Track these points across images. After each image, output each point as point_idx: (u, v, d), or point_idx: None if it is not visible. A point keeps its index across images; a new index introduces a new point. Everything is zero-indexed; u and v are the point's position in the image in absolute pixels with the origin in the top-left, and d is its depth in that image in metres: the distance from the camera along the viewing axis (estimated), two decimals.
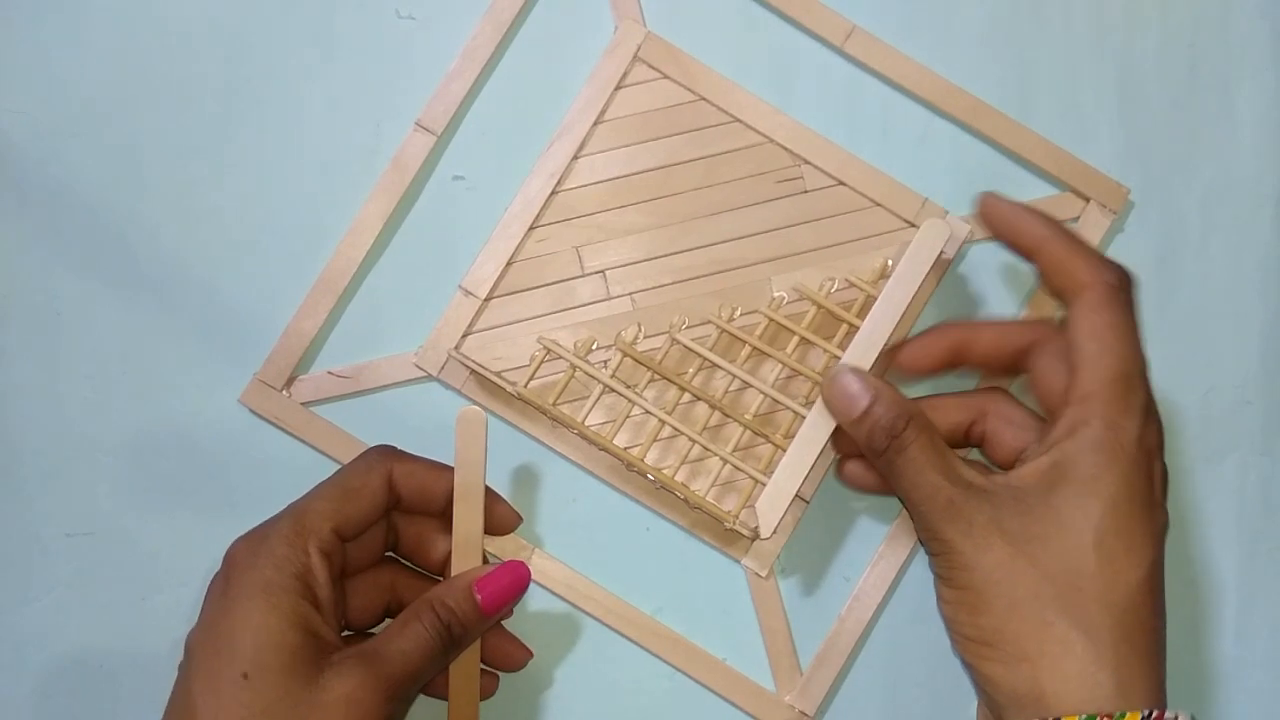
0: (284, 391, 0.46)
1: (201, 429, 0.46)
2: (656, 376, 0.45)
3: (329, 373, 0.46)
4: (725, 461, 0.44)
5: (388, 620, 0.41)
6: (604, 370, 0.45)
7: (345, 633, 0.40)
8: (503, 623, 0.40)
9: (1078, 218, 0.47)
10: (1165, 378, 0.48)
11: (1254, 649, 0.48)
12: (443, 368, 0.46)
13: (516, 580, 0.39)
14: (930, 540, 0.37)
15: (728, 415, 0.45)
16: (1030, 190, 0.48)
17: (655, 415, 0.44)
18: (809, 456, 0.41)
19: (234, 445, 0.46)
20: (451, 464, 0.39)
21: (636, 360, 0.45)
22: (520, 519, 0.41)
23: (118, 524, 0.46)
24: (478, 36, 0.46)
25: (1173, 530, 0.48)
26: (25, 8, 0.47)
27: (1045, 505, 0.35)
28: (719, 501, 0.45)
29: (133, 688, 0.46)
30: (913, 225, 0.46)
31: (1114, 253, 0.48)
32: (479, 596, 0.38)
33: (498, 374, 0.45)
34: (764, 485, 0.42)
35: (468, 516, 0.40)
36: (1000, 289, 0.48)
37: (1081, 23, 0.48)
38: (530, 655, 0.41)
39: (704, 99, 0.46)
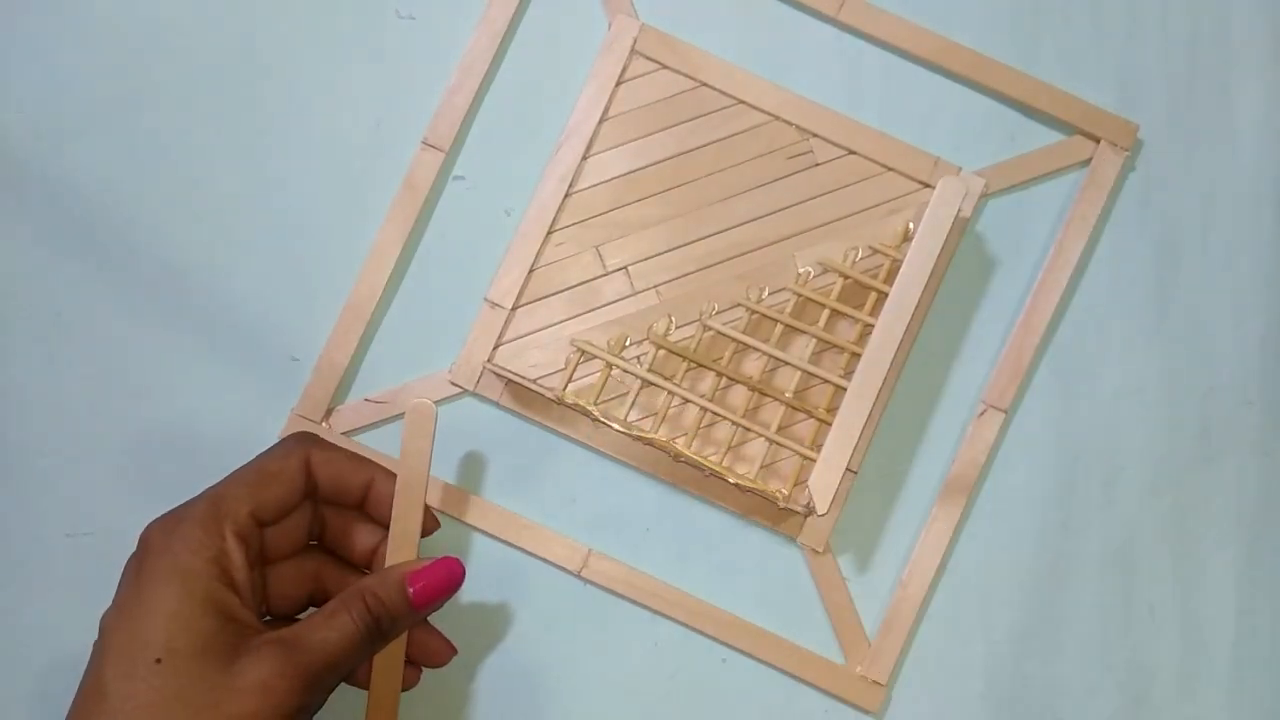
0: (323, 424, 0.46)
1: (202, 429, 0.46)
2: (692, 366, 0.45)
3: (366, 400, 0.46)
4: (770, 442, 0.44)
5: (312, 609, 0.40)
6: (639, 365, 0.45)
7: (267, 619, 0.40)
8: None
9: (1089, 160, 0.47)
10: (1165, 378, 0.48)
11: (1254, 649, 0.48)
12: (478, 381, 0.46)
13: (450, 577, 0.39)
14: None
15: (767, 395, 0.45)
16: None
17: (697, 403, 0.44)
18: (855, 427, 0.42)
19: (234, 445, 0.46)
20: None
21: (671, 351, 0.45)
22: (438, 525, 0.42)
23: (118, 524, 0.46)
24: (474, 48, 0.46)
25: (1173, 530, 0.48)
26: (25, 8, 0.47)
27: None
28: (763, 485, 0.45)
29: None
30: (928, 186, 0.46)
31: (1114, 249, 0.48)
32: (411, 590, 0.38)
33: (534, 381, 0.45)
34: (812, 462, 0.42)
35: (407, 508, 0.40)
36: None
37: (1081, 24, 0.48)
38: (454, 652, 0.41)
39: (705, 84, 0.46)
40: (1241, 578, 0.48)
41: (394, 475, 0.40)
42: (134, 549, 0.37)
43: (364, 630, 0.37)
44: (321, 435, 0.44)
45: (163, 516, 0.37)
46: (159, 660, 0.34)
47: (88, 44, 0.47)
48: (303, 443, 0.39)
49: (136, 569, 0.36)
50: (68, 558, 0.46)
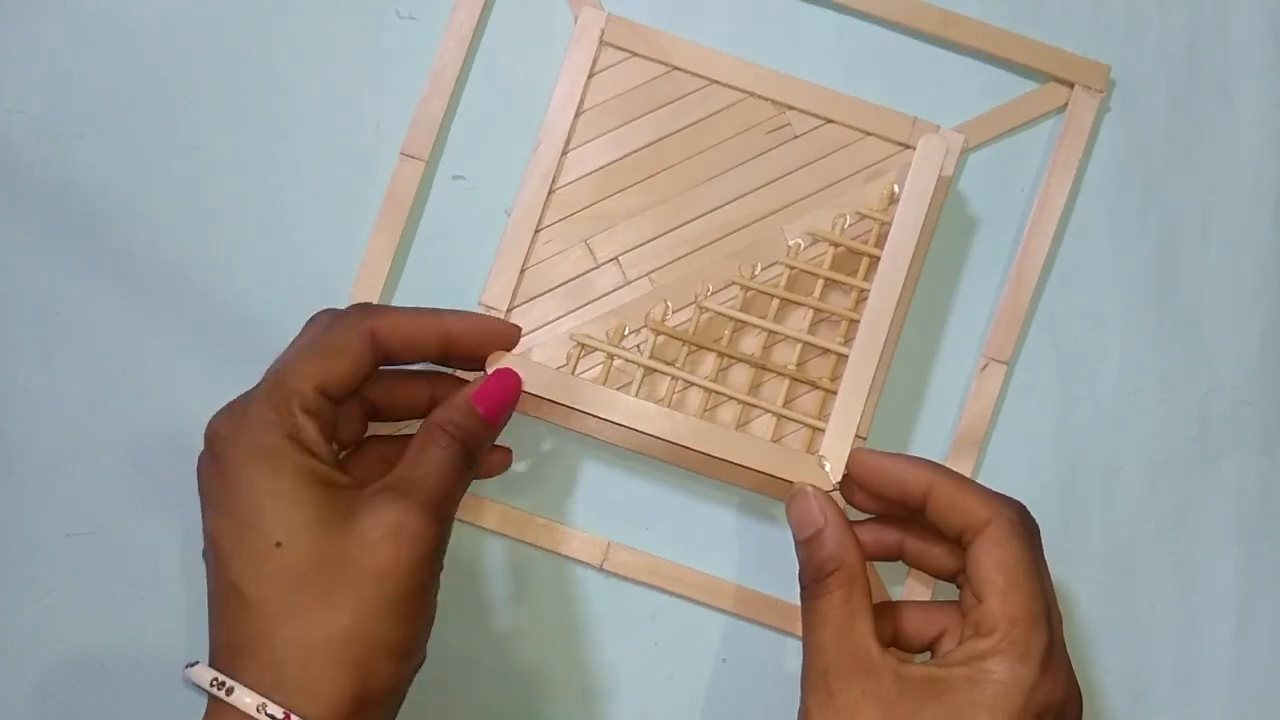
0: None
1: (201, 429, 0.46)
2: (692, 349, 0.45)
3: None
4: (777, 416, 0.45)
5: None
6: (640, 353, 0.45)
7: None
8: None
9: (1065, 105, 0.47)
10: (1165, 378, 0.48)
11: (1254, 649, 0.48)
12: None
13: (508, 386, 0.41)
14: (803, 689, 0.38)
15: (769, 370, 0.45)
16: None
17: (701, 385, 0.44)
18: (861, 393, 0.42)
19: None
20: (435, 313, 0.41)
21: (671, 336, 0.45)
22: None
23: (118, 524, 0.46)
24: (442, 55, 0.46)
25: (1173, 530, 0.48)
26: (25, 8, 0.47)
27: (915, 711, 0.35)
28: None
29: (133, 688, 0.46)
30: (908, 147, 0.46)
31: (1116, 244, 0.48)
32: (480, 408, 0.39)
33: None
34: (820, 432, 0.43)
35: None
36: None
37: (1081, 24, 0.48)
38: (509, 454, 0.45)
39: (677, 68, 0.46)
40: (1241, 578, 0.48)
41: (464, 315, 0.41)
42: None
43: (457, 456, 0.38)
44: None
45: (225, 408, 0.38)
46: (279, 543, 0.34)
47: (88, 44, 0.47)
48: (365, 314, 0.40)
49: (217, 466, 0.36)
50: (68, 558, 0.46)
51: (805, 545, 0.40)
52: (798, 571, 0.40)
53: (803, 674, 0.38)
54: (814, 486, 0.41)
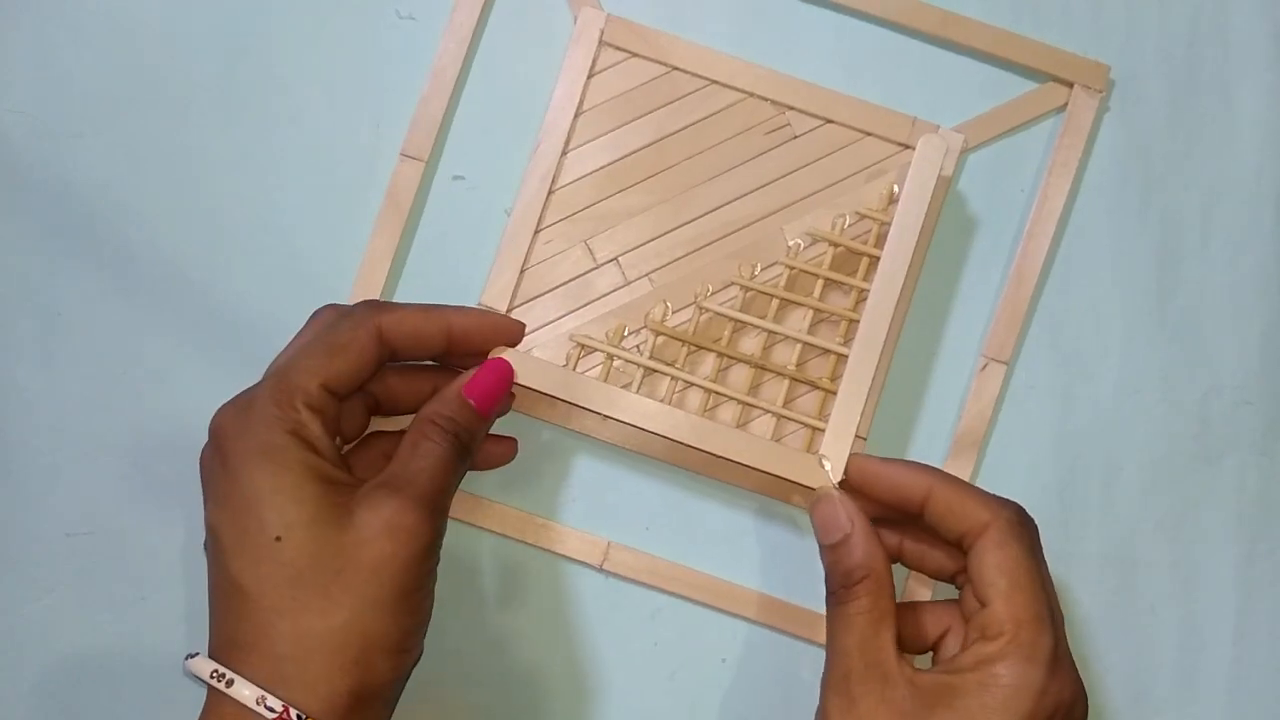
0: None
1: (201, 429, 0.46)
2: (692, 349, 0.45)
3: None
4: (777, 416, 0.45)
5: None
6: (640, 353, 0.45)
7: None
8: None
9: (1065, 105, 0.47)
10: (1165, 378, 0.48)
11: (1254, 649, 0.48)
12: None
13: (501, 375, 0.41)
14: (823, 691, 0.38)
15: (772, 370, 0.45)
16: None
17: (701, 386, 0.45)
18: (861, 393, 0.42)
19: None
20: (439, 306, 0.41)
21: (671, 336, 0.45)
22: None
23: (118, 524, 0.46)
24: (442, 55, 0.46)
25: (1173, 530, 0.48)
26: (25, 8, 0.47)
27: (927, 718, 0.36)
28: None
29: (133, 688, 0.46)
30: (908, 147, 0.46)
31: (1116, 244, 0.48)
32: (472, 400, 0.39)
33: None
34: (821, 432, 0.43)
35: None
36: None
37: (1081, 23, 0.48)
38: (516, 445, 0.44)
39: (676, 69, 0.46)
40: (1241, 578, 0.48)
41: (467, 311, 0.42)
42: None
43: (451, 450, 0.38)
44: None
45: (230, 402, 0.38)
46: (278, 538, 0.35)
47: (88, 44, 0.47)
48: (372, 311, 0.40)
49: (220, 460, 0.37)
50: (68, 558, 0.46)
51: (831, 550, 0.39)
52: (824, 576, 0.40)
53: (824, 676, 0.38)
54: (839, 490, 0.41)
